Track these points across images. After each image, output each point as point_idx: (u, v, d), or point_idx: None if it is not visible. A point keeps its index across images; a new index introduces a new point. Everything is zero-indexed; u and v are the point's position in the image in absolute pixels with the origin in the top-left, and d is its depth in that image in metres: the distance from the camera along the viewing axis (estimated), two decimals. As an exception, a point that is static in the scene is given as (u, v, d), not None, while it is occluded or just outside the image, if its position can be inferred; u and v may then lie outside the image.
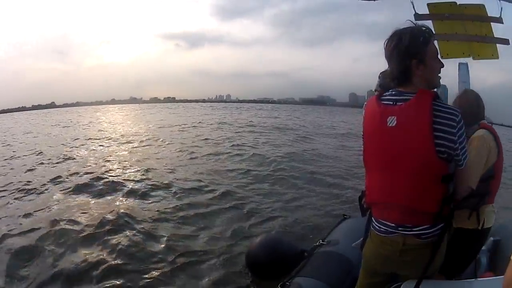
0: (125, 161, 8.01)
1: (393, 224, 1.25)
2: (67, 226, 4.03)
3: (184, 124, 18.05)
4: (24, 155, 9.40)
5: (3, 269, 3.08)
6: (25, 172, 7.23)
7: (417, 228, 1.21)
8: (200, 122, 19.24)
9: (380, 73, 1.81)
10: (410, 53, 1.18)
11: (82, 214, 4.46)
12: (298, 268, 2.02)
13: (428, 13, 2.61)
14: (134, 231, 3.88)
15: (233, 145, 10.34)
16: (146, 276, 2.98)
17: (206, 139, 11.90)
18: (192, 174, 6.76)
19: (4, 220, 4.32)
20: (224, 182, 6.24)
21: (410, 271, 1.27)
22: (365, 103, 1.33)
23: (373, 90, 1.81)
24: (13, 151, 10.31)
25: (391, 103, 1.22)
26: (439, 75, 1.25)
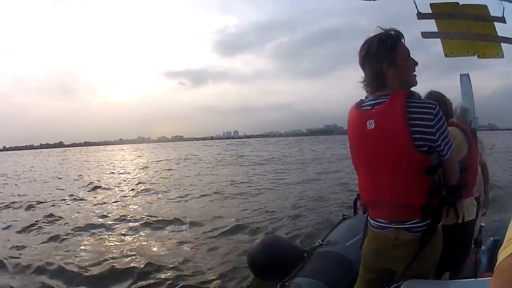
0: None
1: (386, 220, 1.30)
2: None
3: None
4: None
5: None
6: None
7: (409, 222, 1.25)
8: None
9: None
10: (379, 58, 1.22)
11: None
12: (298, 269, 2.04)
13: (430, 12, 2.58)
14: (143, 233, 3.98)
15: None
16: (147, 276, 3.08)
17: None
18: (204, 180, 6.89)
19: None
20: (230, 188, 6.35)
21: (402, 266, 1.29)
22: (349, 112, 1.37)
23: None
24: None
25: (369, 107, 1.28)
26: (414, 73, 1.28)
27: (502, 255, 0.61)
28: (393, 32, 1.24)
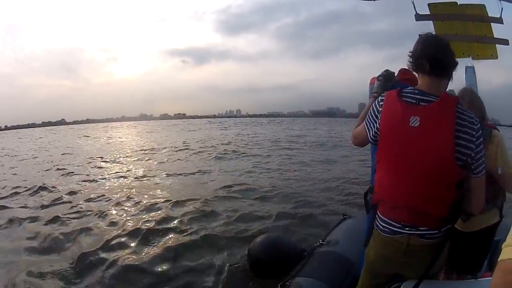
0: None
1: (399, 225, 1.23)
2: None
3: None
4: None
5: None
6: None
7: (423, 228, 1.20)
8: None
9: (381, 76, 1.70)
10: (456, 61, 1.24)
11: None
12: (298, 268, 2.01)
13: (428, 13, 2.61)
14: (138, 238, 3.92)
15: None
16: (146, 275, 3.01)
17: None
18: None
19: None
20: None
21: (413, 271, 1.26)
22: (382, 98, 1.29)
23: (373, 93, 1.76)
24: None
25: (414, 101, 1.20)
26: None
27: (507, 253, 0.59)
28: None
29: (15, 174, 8.74)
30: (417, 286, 1.22)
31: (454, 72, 1.25)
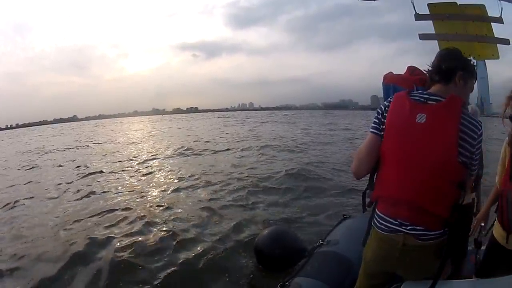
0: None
1: (397, 222, 1.25)
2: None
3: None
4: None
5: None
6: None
7: (420, 228, 1.22)
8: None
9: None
10: (461, 66, 1.29)
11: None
12: (298, 268, 2.03)
13: (428, 13, 2.61)
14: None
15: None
16: (152, 265, 3.11)
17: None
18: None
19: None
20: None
21: (409, 272, 1.28)
22: (391, 97, 1.34)
23: None
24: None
25: (422, 100, 1.26)
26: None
27: None
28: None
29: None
30: (433, 286, 1.21)
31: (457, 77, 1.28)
